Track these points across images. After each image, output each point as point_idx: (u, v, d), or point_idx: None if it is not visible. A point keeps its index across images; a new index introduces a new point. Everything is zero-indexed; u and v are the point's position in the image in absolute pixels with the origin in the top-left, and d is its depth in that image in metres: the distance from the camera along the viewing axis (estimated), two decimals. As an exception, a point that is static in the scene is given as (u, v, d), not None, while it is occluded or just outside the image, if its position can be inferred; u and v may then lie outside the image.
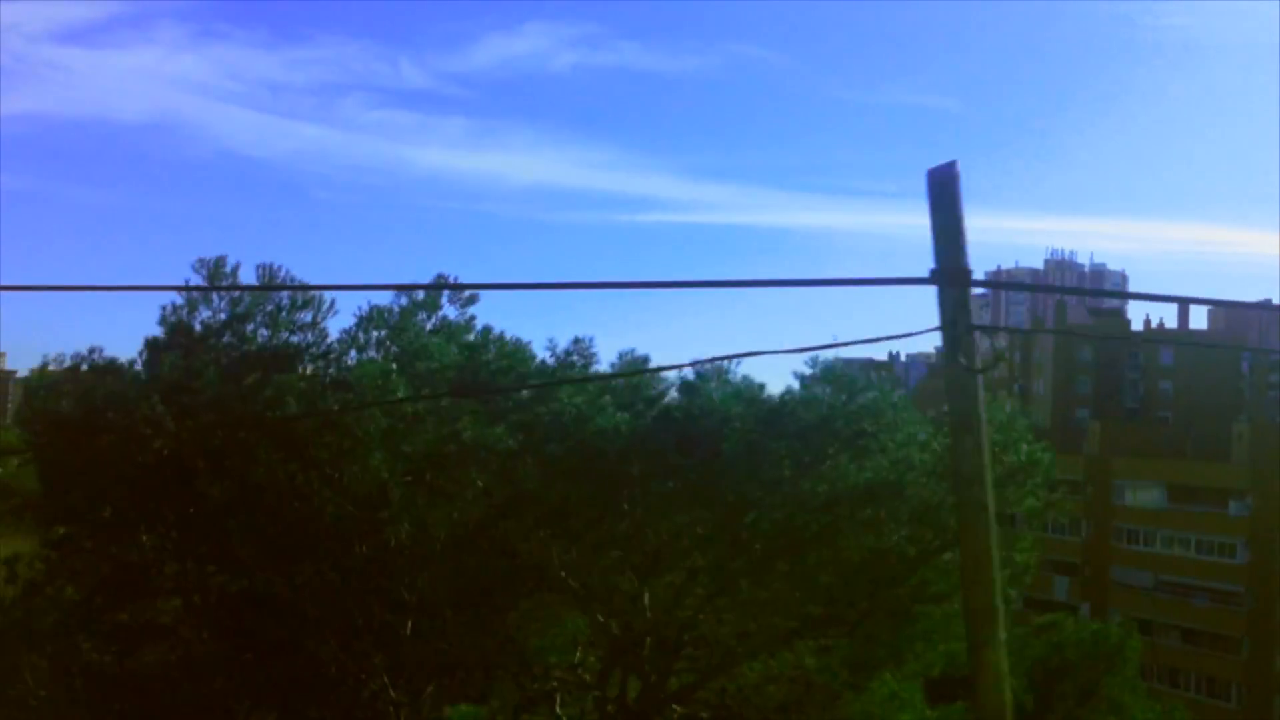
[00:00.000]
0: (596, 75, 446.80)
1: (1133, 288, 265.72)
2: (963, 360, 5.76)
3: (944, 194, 6.01)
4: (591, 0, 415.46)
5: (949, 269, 5.93)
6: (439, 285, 18.24)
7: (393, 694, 18.99)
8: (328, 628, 18.91)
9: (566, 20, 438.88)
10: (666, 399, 17.59)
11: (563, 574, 18.18)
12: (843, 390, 17.52)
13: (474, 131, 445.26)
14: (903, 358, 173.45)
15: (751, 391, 17.31)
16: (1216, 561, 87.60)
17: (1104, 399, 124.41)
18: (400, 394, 16.77)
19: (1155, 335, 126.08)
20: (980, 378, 5.90)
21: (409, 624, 18.53)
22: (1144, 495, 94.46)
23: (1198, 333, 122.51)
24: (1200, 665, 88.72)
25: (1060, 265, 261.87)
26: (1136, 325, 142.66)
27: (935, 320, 5.89)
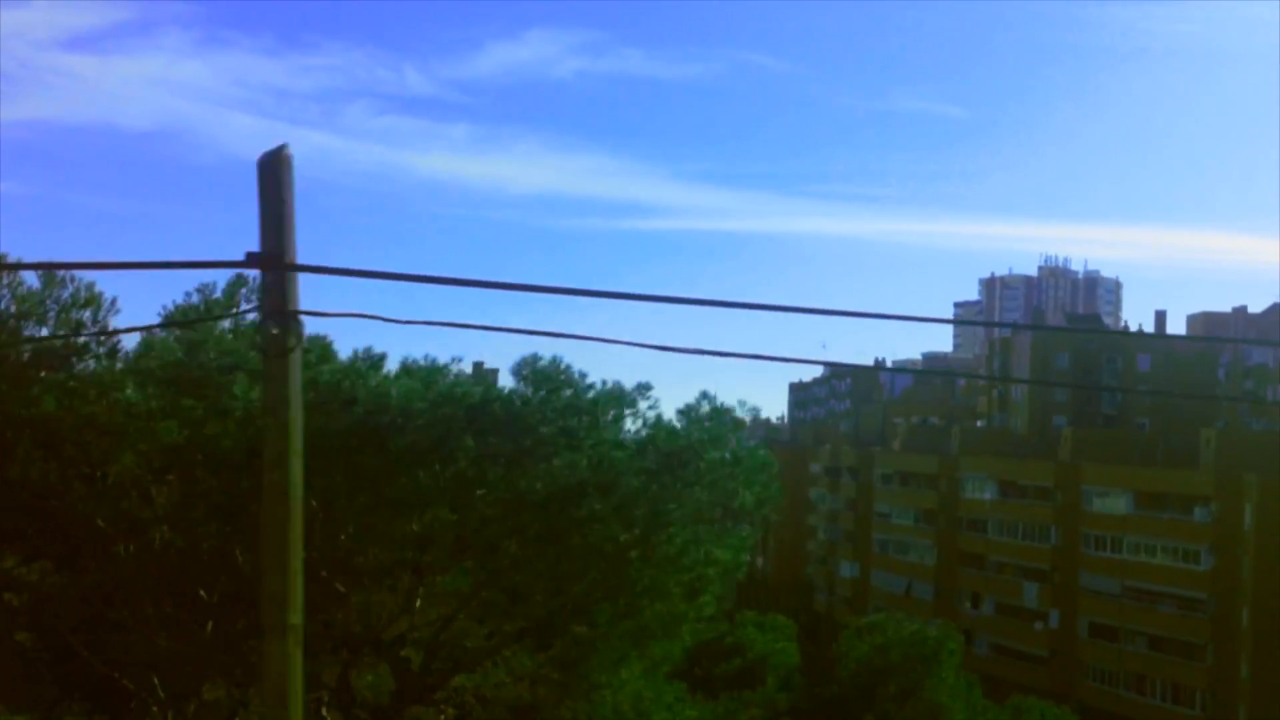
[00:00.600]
0: (600, 82, 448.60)
1: (1126, 294, 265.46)
2: (261, 343, 5.74)
3: (271, 179, 5.99)
4: (594, 7, 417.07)
5: (267, 254, 5.90)
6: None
7: (161, 694, 18.98)
8: (96, 628, 18.90)
9: (570, 27, 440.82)
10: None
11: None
12: (543, 387, 17.39)
13: (478, 138, 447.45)
14: (888, 363, 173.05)
15: (456, 386, 17.18)
16: (1181, 568, 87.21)
17: (1082, 405, 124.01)
18: (129, 392, 16.79)
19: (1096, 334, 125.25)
20: (293, 360, 5.87)
21: (181, 624, 18.51)
22: (1112, 502, 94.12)
23: (1171, 337, 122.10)
24: (1166, 672, 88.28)
25: (1054, 272, 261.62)
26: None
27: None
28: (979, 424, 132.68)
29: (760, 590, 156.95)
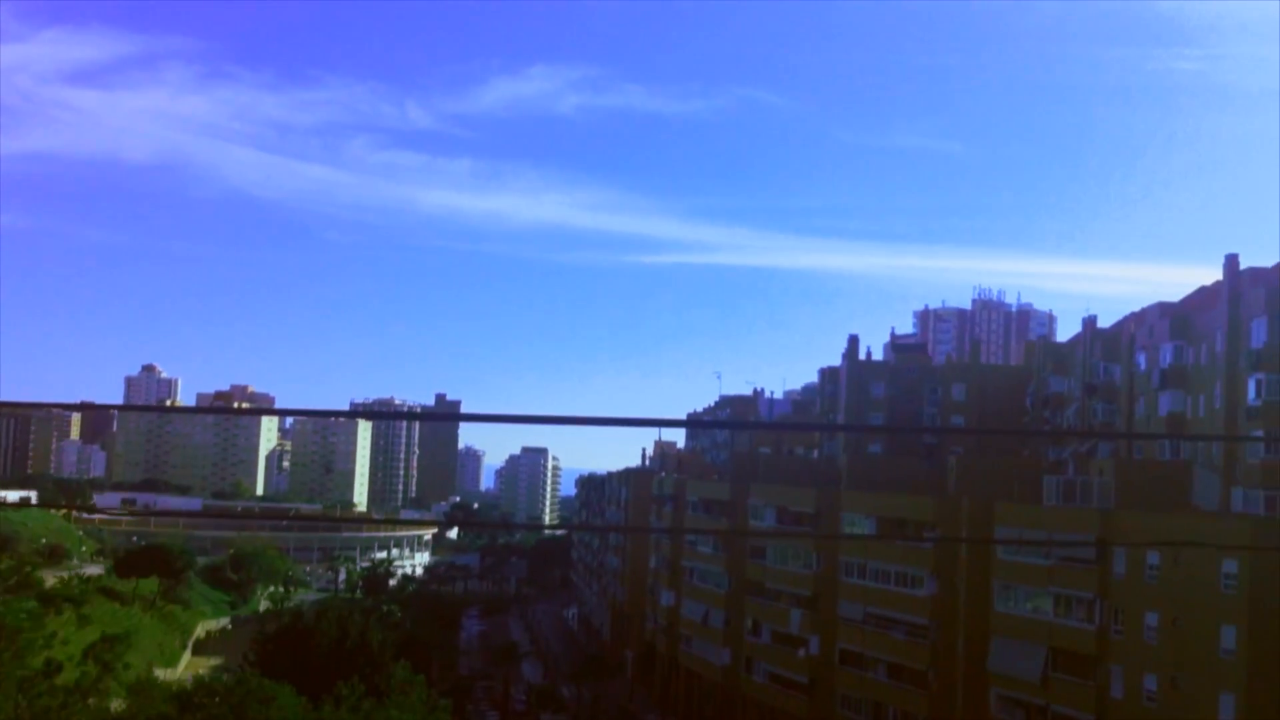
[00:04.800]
0: (602, 117, 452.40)
1: (1061, 325, 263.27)
2: None
3: None
4: (596, 43, 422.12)
5: None
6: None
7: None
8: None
9: (571, 63, 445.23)
10: None
11: None
12: None
13: (480, 173, 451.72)
14: (768, 394, 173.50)
15: None
16: (909, 594, 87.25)
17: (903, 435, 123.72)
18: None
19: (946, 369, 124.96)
20: None
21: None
22: (858, 528, 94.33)
23: (989, 367, 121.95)
24: (899, 699, 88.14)
25: (987, 305, 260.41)
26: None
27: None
28: (814, 453, 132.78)
29: (616, 619, 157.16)
